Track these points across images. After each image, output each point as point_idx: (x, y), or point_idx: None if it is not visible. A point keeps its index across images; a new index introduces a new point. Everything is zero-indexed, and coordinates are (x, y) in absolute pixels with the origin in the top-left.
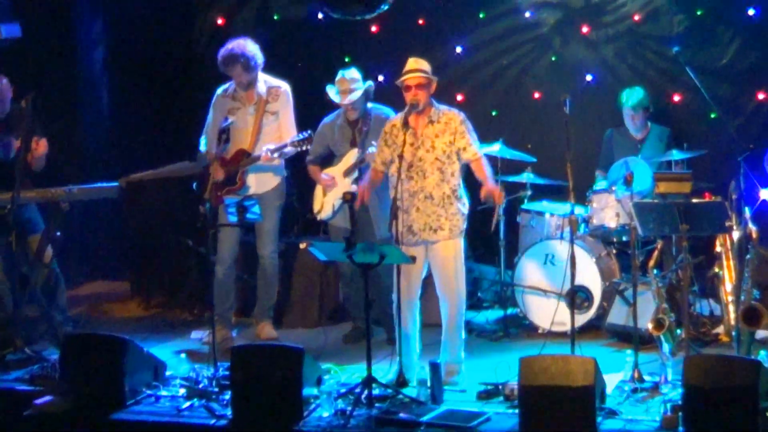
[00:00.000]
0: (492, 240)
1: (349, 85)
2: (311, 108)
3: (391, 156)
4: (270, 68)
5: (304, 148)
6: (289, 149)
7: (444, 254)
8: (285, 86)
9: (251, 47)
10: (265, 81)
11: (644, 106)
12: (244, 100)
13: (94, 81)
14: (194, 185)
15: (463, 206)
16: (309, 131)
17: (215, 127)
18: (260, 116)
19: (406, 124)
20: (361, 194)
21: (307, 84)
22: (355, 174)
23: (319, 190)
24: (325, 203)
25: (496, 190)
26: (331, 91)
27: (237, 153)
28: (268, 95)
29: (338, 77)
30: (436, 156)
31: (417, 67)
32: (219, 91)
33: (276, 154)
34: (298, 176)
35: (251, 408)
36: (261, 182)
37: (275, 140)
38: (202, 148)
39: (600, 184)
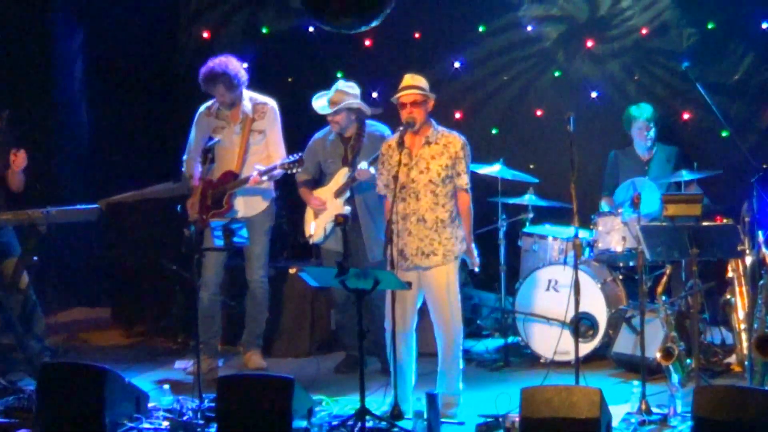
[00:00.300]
0: (492, 265)
1: (338, 97)
2: (302, 126)
3: (390, 178)
4: (258, 84)
5: (294, 171)
6: (278, 171)
7: (437, 281)
8: (272, 103)
9: (234, 64)
10: (250, 98)
11: (655, 119)
12: (229, 119)
13: (73, 97)
14: (179, 207)
15: (459, 230)
16: (299, 153)
17: (198, 146)
18: (246, 135)
19: (401, 143)
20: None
21: (298, 100)
22: (347, 194)
23: (309, 213)
24: (317, 226)
25: (474, 259)
26: (319, 100)
27: (224, 175)
28: (254, 113)
29: (334, 86)
30: (430, 178)
31: (413, 83)
32: (202, 108)
33: (265, 177)
34: (288, 198)
35: None
36: (249, 205)
37: (263, 160)
38: (186, 167)
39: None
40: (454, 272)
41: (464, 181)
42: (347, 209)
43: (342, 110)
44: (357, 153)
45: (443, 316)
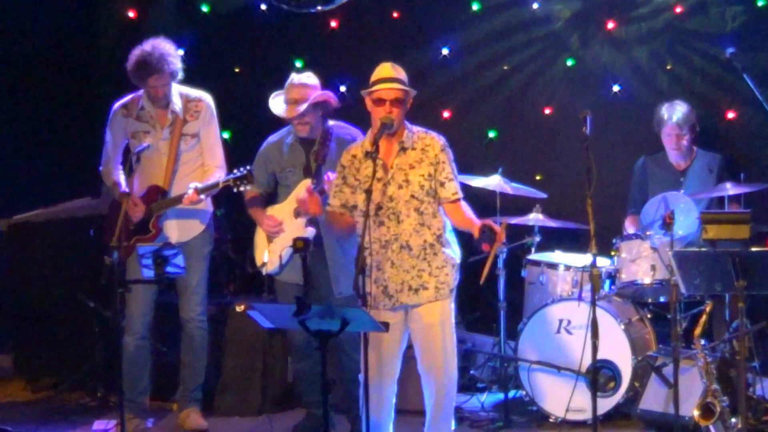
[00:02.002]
0: (489, 300)
1: (296, 94)
2: (252, 127)
3: (353, 197)
4: (197, 76)
5: (241, 189)
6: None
7: (428, 321)
8: (206, 98)
9: (172, 48)
10: (180, 93)
11: (690, 123)
12: (155, 121)
13: None
14: (92, 231)
15: (453, 255)
16: (248, 167)
17: (116, 153)
18: (176, 141)
19: (375, 152)
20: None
21: (247, 95)
22: None
23: (261, 236)
24: (271, 253)
25: (494, 225)
26: (276, 102)
27: (149, 191)
28: (185, 113)
29: (288, 82)
30: (412, 193)
31: (395, 75)
32: (117, 106)
33: (203, 196)
34: (235, 216)
35: None
36: (183, 228)
37: (197, 170)
38: (105, 179)
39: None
40: (449, 309)
41: (452, 189)
42: (310, 231)
43: (310, 109)
44: (323, 161)
45: (435, 365)
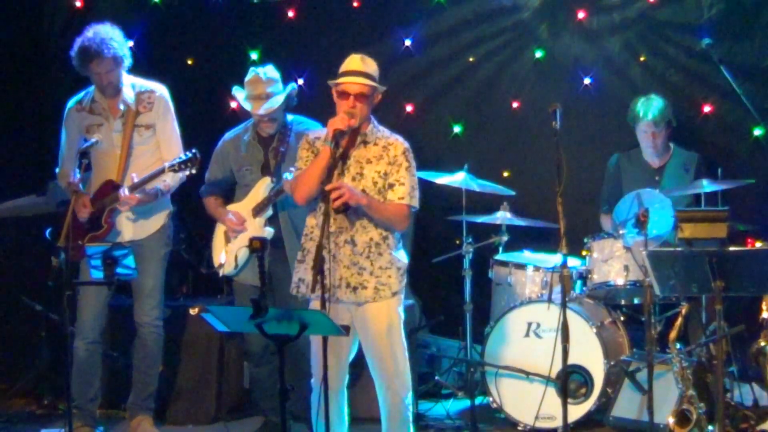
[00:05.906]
0: (454, 303)
1: (265, 89)
2: (207, 122)
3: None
4: (149, 68)
5: (187, 173)
6: (168, 180)
7: (373, 325)
8: (161, 90)
9: (117, 34)
10: (132, 84)
11: (667, 119)
12: (107, 113)
13: None
14: (48, 232)
15: (400, 258)
16: (194, 150)
17: (72, 152)
18: (129, 133)
19: (336, 146)
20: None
21: (200, 89)
22: (269, 212)
23: (219, 234)
24: (228, 253)
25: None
26: (240, 96)
27: (103, 186)
28: (138, 104)
29: (250, 77)
30: (364, 188)
31: (363, 69)
32: (71, 103)
33: (152, 188)
34: (188, 213)
35: None
36: (138, 224)
37: (154, 164)
38: (60, 181)
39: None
40: (395, 311)
41: (400, 193)
42: (269, 231)
43: (281, 105)
44: (282, 158)
45: (384, 369)
